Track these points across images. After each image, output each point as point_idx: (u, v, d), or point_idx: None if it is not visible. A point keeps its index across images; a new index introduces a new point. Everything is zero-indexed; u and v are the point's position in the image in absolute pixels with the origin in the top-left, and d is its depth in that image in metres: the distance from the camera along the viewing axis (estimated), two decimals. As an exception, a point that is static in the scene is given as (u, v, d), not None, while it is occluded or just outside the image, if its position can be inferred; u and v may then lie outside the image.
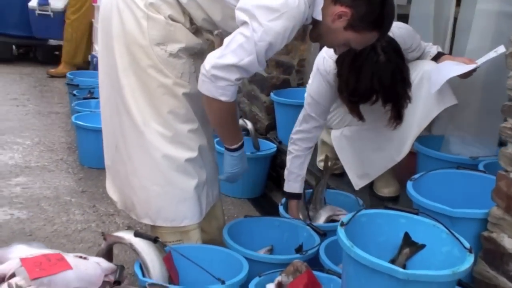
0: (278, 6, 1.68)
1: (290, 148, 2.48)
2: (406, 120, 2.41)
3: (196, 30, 2.01)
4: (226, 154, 2.03)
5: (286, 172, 2.49)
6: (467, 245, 1.59)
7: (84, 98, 4.18)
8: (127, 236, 1.96)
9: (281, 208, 2.50)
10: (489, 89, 2.36)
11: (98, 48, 2.13)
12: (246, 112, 3.93)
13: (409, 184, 2.04)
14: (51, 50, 6.94)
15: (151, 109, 1.96)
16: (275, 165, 3.45)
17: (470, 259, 1.53)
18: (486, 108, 2.38)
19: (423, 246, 1.71)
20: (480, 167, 2.22)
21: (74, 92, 4.31)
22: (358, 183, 2.64)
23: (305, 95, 2.49)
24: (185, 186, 2.03)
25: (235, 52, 1.72)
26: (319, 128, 2.47)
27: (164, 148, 1.98)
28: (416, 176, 2.12)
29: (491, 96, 2.34)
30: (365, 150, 2.62)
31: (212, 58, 1.75)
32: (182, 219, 2.06)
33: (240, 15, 1.74)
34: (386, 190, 2.72)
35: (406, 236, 1.73)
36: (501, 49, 2.12)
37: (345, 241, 1.54)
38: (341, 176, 2.88)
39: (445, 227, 1.68)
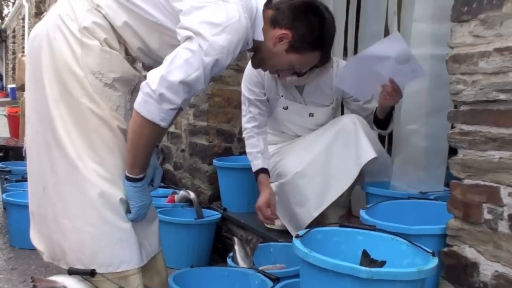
0: (220, 21, 1.66)
1: (243, 134, 2.72)
2: (324, 176, 2.43)
3: (132, 62, 1.93)
4: (130, 187, 1.84)
5: (247, 156, 2.67)
6: (429, 250, 1.51)
7: (17, 181, 3.97)
8: (60, 278, 1.76)
9: (229, 260, 2.36)
10: (432, 127, 2.37)
11: (26, 83, 1.98)
12: (188, 186, 3.82)
13: (362, 212, 1.97)
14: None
15: (84, 142, 1.81)
16: (221, 235, 3.31)
17: (434, 260, 1.45)
18: (431, 148, 2.39)
19: (383, 262, 1.60)
20: (430, 200, 2.18)
21: (6, 176, 4.09)
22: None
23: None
24: (121, 226, 1.84)
25: (181, 68, 1.65)
26: (262, 112, 2.68)
27: (100, 185, 1.81)
28: (368, 206, 2.05)
29: (435, 134, 2.35)
30: (290, 204, 2.58)
31: (156, 76, 1.66)
32: (119, 263, 1.84)
33: (182, 32, 1.69)
34: None
35: (365, 253, 1.63)
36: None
37: (302, 248, 1.44)
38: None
39: (404, 238, 1.60)
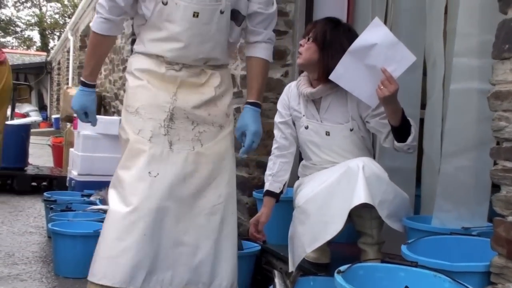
0: None
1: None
2: (321, 214, 2.42)
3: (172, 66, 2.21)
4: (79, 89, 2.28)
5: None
6: (472, 288, 1.50)
7: (62, 210, 4.06)
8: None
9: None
10: (475, 162, 2.35)
11: None
12: (228, 217, 3.84)
13: (404, 247, 1.96)
14: (28, 179, 6.84)
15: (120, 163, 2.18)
16: (260, 267, 3.32)
17: (478, 299, 1.43)
18: (474, 184, 2.36)
19: (426, 299, 1.61)
20: (473, 236, 2.15)
21: (52, 206, 4.20)
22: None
23: None
24: (113, 245, 2.03)
25: None
26: (283, 135, 2.86)
27: (113, 200, 2.09)
28: (409, 241, 2.05)
29: (478, 170, 2.33)
30: (293, 234, 2.66)
31: None
32: (101, 277, 2.02)
33: None
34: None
35: (407, 290, 1.63)
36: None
37: (344, 284, 1.45)
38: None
39: (447, 275, 1.60)
